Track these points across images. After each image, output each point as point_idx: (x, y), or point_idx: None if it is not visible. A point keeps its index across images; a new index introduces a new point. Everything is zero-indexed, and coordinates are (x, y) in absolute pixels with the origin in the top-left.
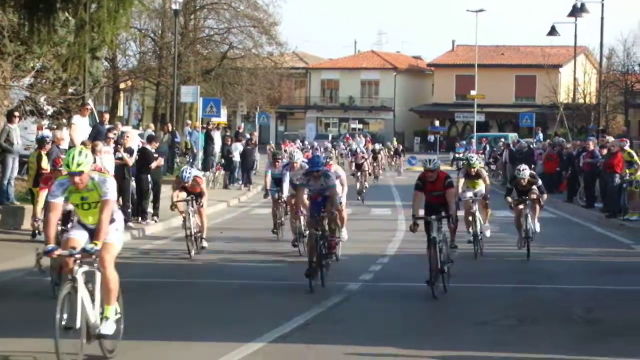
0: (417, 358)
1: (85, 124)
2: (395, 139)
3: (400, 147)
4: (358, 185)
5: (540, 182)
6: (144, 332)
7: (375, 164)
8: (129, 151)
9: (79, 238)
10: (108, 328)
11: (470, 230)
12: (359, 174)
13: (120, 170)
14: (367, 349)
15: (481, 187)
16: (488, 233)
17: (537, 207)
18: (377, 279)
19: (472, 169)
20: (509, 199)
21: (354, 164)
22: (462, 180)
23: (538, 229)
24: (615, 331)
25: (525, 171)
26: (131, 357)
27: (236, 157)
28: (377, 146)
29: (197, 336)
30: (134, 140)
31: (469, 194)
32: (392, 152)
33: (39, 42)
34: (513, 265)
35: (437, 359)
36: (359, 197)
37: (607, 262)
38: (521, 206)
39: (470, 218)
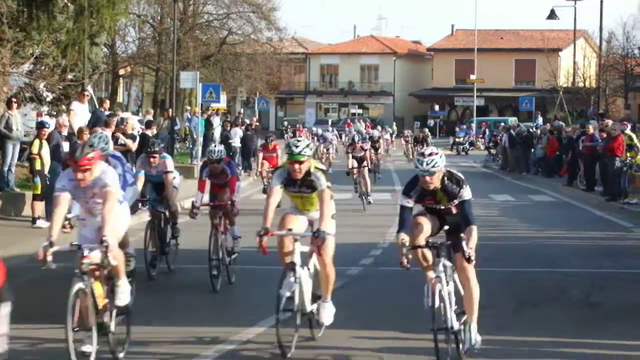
0: (419, 341)
1: (84, 110)
2: (394, 123)
3: (427, 135)
4: (357, 187)
5: (467, 193)
6: (144, 317)
7: (375, 156)
8: (132, 137)
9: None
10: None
11: None
12: (356, 174)
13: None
14: (368, 332)
15: None
16: None
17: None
18: (378, 263)
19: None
20: (402, 238)
21: (351, 155)
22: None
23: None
24: (615, 314)
25: (433, 160)
26: (132, 341)
27: (236, 143)
28: (376, 133)
29: (198, 321)
30: (135, 126)
31: None
32: (408, 139)
33: (38, 28)
34: (512, 249)
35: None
36: (363, 200)
37: (607, 245)
38: (431, 274)
39: None
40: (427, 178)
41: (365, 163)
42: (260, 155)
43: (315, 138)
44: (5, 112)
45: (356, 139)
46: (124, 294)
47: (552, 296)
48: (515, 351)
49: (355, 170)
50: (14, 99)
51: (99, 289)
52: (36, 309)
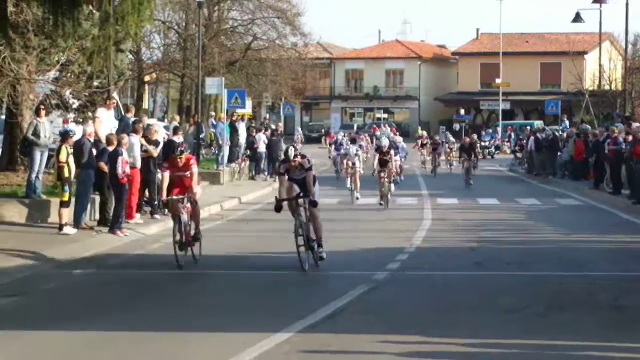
0: (446, 346)
1: (110, 117)
2: (420, 127)
3: (475, 141)
4: (380, 188)
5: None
6: (172, 322)
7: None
8: (155, 143)
9: None
10: None
11: None
12: (381, 173)
13: (146, 163)
14: (395, 337)
15: None
16: None
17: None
18: (404, 267)
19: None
20: None
21: (376, 158)
22: None
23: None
24: None
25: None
26: (157, 347)
27: (261, 148)
28: (384, 141)
29: (225, 327)
30: (160, 132)
31: None
32: (425, 144)
33: (64, 35)
34: (539, 253)
35: (466, 347)
36: (381, 203)
37: (634, 248)
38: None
39: None
40: None
41: (390, 164)
42: None
43: (333, 147)
44: (33, 119)
45: (383, 144)
46: None
47: (579, 300)
48: (542, 355)
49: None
50: (42, 106)
51: None
52: (62, 314)
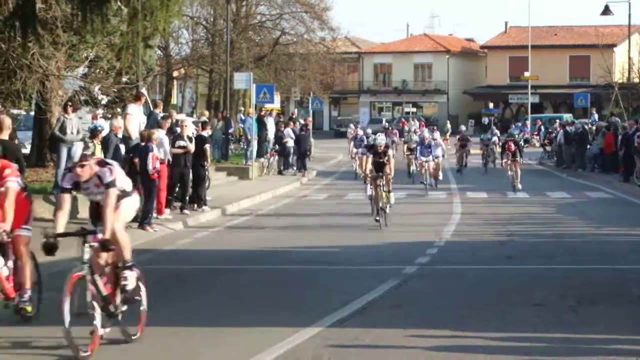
0: (476, 340)
1: (140, 113)
2: (448, 121)
3: (521, 139)
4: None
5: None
6: (201, 317)
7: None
8: (189, 139)
9: None
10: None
11: None
12: (377, 180)
13: (180, 159)
14: (425, 331)
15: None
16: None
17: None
18: (434, 262)
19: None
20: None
21: (369, 160)
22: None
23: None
24: None
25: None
26: (189, 342)
27: (289, 143)
28: (379, 139)
29: (255, 321)
30: (189, 128)
31: None
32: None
33: (92, 31)
34: (569, 246)
35: (497, 341)
36: (377, 219)
37: None
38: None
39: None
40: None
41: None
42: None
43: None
44: (60, 115)
45: (378, 141)
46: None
47: (610, 293)
48: (573, 349)
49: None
50: (69, 103)
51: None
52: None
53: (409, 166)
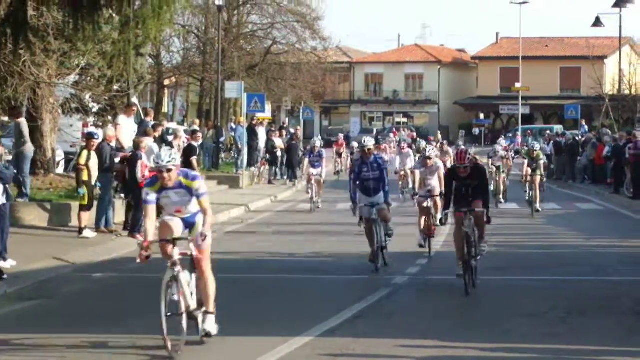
0: (465, 350)
1: (130, 124)
2: (439, 132)
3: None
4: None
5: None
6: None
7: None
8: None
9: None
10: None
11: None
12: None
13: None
14: (414, 342)
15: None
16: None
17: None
18: (424, 272)
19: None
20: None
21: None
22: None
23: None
24: None
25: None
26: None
27: (279, 152)
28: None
29: (245, 331)
30: (181, 137)
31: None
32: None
33: (84, 39)
34: (559, 258)
35: (487, 351)
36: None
37: None
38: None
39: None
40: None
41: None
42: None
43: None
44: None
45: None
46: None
47: (600, 304)
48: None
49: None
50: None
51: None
52: (82, 318)
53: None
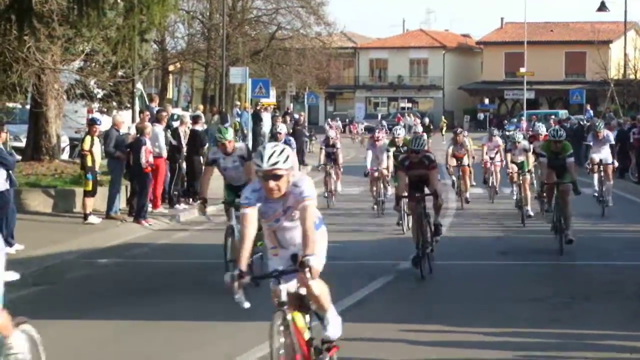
0: (471, 334)
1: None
2: (443, 117)
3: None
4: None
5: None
6: (194, 311)
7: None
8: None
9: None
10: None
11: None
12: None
13: (173, 152)
14: (419, 326)
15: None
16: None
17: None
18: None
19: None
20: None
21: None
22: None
23: None
24: None
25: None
26: (176, 335)
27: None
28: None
29: (247, 317)
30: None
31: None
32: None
33: (88, 25)
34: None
35: (490, 336)
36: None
37: None
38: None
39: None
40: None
41: None
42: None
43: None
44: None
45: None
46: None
47: (604, 289)
48: (567, 344)
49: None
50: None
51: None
52: (87, 304)
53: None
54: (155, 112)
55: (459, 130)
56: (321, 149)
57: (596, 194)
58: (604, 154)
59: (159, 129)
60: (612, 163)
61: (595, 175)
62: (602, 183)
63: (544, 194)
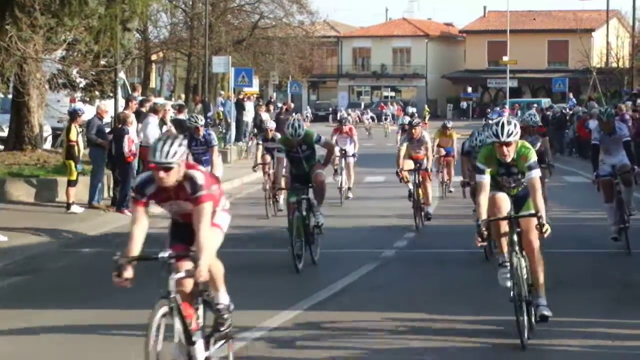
0: (455, 322)
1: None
2: (426, 106)
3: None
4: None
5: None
6: None
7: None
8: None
9: None
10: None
11: None
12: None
13: None
14: (403, 315)
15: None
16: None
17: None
18: (412, 245)
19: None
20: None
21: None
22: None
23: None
24: None
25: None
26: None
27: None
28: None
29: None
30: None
31: None
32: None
33: (70, 14)
34: None
35: (475, 324)
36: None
37: None
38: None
39: None
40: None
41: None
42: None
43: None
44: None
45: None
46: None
47: (587, 277)
48: (549, 332)
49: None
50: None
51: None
52: (70, 293)
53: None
54: (139, 101)
55: (450, 124)
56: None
57: (614, 234)
58: (618, 156)
59: (153, 119)
60: (633, 169)
61: (609, 206)
62: (619, 202)
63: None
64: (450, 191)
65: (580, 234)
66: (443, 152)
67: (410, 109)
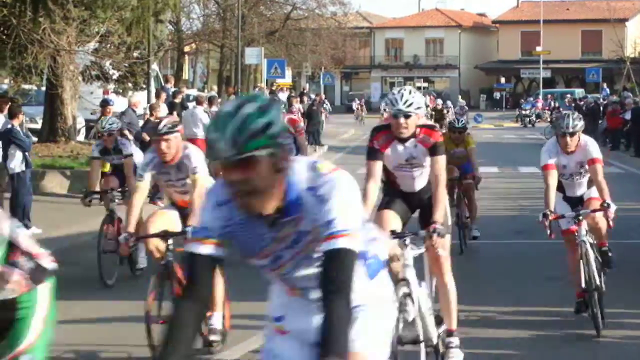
0: (488, 313)
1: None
2: (460, 96)
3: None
4: None
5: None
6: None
7: None
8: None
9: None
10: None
11: None
12: None
13: None
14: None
15: None
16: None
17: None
18: None
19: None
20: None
21: None
22: None
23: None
24: None
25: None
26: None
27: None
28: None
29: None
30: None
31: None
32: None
33: (103, 6)
34: None
35: (507, 315)
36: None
37: None
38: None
39: None
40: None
41: None
42: None
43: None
44: None
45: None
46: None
47: (620, 268)
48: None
49: None
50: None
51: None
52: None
53: None
54: (171, 93)
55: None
56: None
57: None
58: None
59: (200, 110)
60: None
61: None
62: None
63: None
64: (475, 237)
65: (616, 225)
66: (456, 172)
67: (440, 101)
